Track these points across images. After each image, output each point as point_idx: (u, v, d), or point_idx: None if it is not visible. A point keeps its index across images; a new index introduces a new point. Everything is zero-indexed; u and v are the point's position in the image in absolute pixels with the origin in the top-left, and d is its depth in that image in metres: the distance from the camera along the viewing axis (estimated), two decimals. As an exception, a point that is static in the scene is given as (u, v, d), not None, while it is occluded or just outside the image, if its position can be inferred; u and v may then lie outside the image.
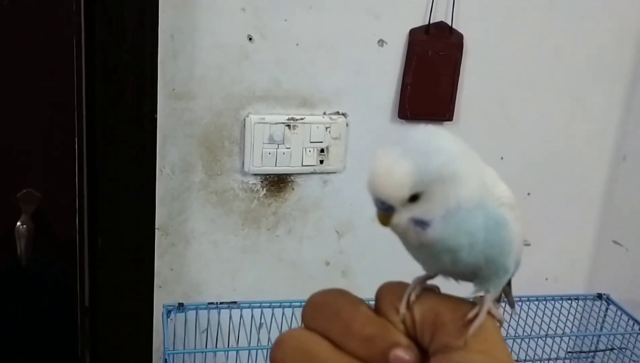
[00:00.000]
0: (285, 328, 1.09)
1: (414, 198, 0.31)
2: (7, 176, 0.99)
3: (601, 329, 1.17)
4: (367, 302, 0.32)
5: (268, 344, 1.07)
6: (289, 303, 1.07)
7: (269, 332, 1.09)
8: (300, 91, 1.11)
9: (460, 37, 1.12)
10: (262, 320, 1.10)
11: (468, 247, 0.32)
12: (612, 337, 1.10)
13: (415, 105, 1.13)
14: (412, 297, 0.31)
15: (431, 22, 1.10)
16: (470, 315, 0.30)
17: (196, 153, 1.10)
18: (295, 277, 1.20)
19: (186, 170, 1.11)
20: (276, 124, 1.10)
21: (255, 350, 1.05)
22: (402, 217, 0.32)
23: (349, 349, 0.30)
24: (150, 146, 1.04)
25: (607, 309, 1.18)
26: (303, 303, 0.31)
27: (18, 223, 0.95)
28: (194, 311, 1.06)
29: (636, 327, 1.09)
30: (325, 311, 0.31)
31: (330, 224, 1.20)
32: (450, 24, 1.11)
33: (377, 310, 0.32)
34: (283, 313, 1.09)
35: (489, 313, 0.31)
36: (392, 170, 0.31)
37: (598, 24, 1.20)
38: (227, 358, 1.10)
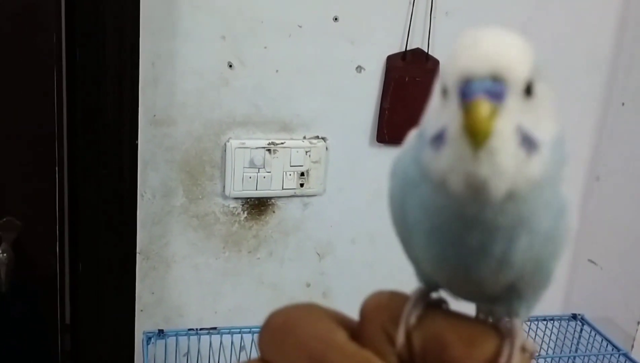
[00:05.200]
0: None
1: (527, 91, 0.21)
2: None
3: (576, 350, 1.19)
4: (349, 319, 0.24)
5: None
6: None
7: (249, 357, 1.09)
8: (280, 116, 1.13)
9: (436, 63, 1.14)
10: (242, 345, 1.11)
11: (539, 226, 0.21)
12: (586, 358, 1.12)
13: (393, 129, 1.15)
14: (412, 320, 0.23)
15: (408, 48, 1.13)
16: (503, 359, 0.21)
17: (177, 178, 1.11)
18: (277, 299, 1.21)
19: (167, 194, 1.11)
20: (256, 148, 1.11)
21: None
22: (508, 122, 0.20)
23: None
24: (131, 171, 1.05)
25: (581, 329, 1.20)
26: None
27: (-2, 251, 0.95)
28: (174, 337, 1.07)
29: (609, 347, 1.11)
30: (287, 339, 0.23)
31: (310, 246, 1.21)
32: (426, 51, 1.13)
33: (362, 335, 0.23)
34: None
35: (522, 348, 0.22)
36: (509, 36, 0.21)
37: (571, 49, 1.23)
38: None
